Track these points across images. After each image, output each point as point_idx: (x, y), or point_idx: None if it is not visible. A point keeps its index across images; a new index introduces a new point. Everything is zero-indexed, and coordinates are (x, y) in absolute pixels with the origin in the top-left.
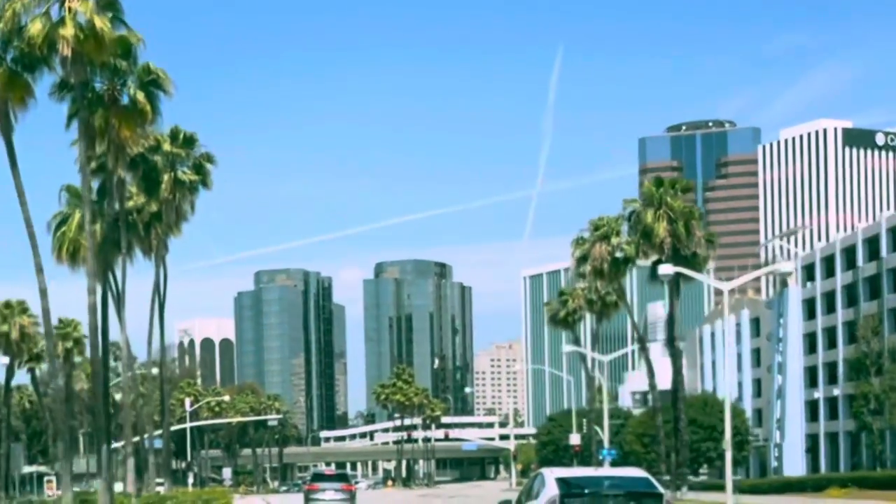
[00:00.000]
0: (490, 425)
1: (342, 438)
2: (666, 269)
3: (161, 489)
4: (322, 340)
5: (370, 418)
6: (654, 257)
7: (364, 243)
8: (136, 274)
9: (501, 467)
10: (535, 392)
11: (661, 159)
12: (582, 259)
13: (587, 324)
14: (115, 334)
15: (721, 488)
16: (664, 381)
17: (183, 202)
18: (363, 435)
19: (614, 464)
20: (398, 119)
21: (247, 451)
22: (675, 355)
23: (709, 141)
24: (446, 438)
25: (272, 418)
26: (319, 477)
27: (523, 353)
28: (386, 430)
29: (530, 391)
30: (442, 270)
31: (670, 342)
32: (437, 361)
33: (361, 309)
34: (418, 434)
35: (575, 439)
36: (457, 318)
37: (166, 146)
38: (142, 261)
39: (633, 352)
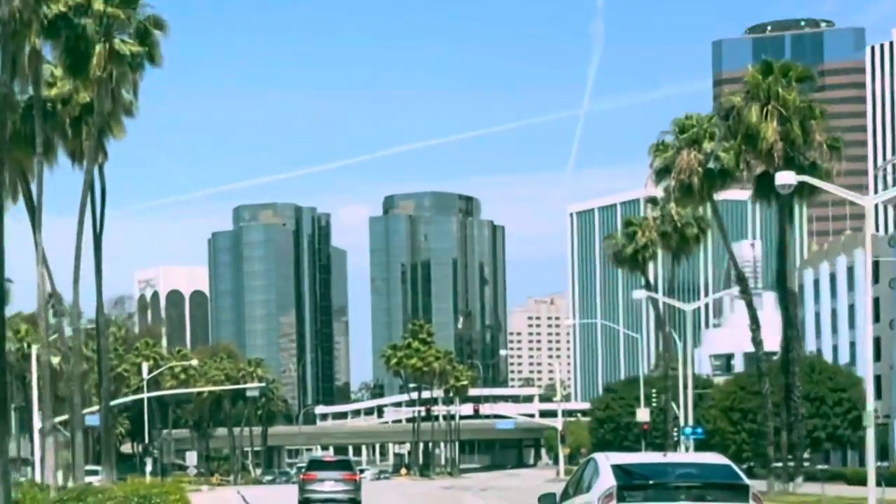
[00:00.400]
0: (528, 399)
1: (343, 416)
2: (786, 178)
3: (94, 479)
4: (318, 293)
5: (378, 391)
6: (759, 169)
7: (371, 174)
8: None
9: (543, 451)
10: (585, 357)
11: (741, 67)
12: (662, 171)
13: (659, 266)
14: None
15: (844, 478)
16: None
17: (123, 84)
18: (369, 411)
19: (701, 447)
20: (412, 26)
21: (222, 432)
22: (788, 302)
23: (800, 44)
24: (475, 415)
25: (252, 387)
26: (317, 464)
27: (570, 309)
28: (398, 405)
29: (578, 356)
30: (468, 206)
31: (780, 284)
32: (461, 320)
33: (367, 254)
34: (439, 410)
35: (643, 415)
36: (486, 266)
37: (98, 5)
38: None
39: (712, 305)
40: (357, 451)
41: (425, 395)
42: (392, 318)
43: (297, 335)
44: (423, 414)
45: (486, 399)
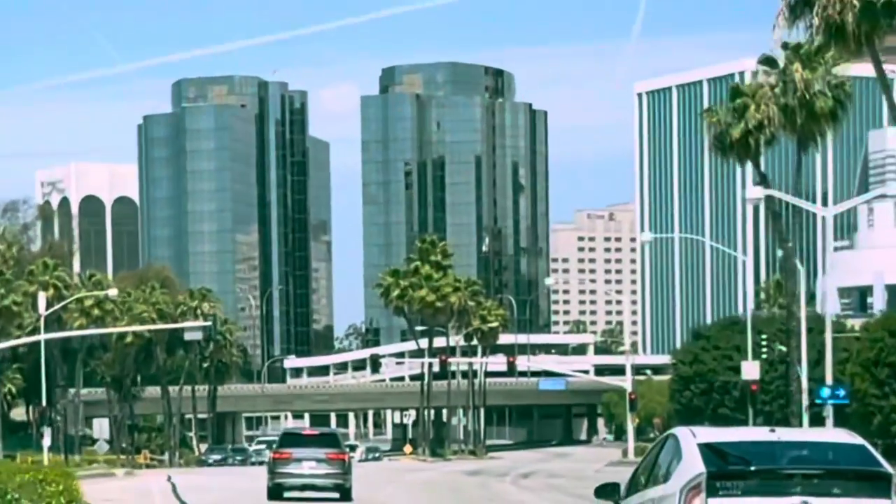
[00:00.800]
0: (580, 350)
1: (322, 371)
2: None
3: None
4: (289, 202)
5: (371, 337)
6: None
7: (363, 41)
8: None
9: (600, 422)
10: (659, 293)
11: None
12: (801, 5)
13: (772, 157)
14: None
15: None
16: None
17: None
18: (359, 366)
19: (841, 420)
20: None
21: (153, 392)
22: None
23: None
24: (509, 371)
25: (193, 327)
26: (292, 439)
27: (637, 224)
28: (399, 358)
29: (649, 291)
30: (497, 83)
31: None
32: (486, 241)
33: (357, 149)
34: (457, 363)
35: (750, 371)
36: (522, 167)
37: None
38: None
39: (843, 219)
40: (343, 421)
41: (439, 342)
42: (391, 238)
43: (261, 261)
44: (435, 369)
45: (523, 349)
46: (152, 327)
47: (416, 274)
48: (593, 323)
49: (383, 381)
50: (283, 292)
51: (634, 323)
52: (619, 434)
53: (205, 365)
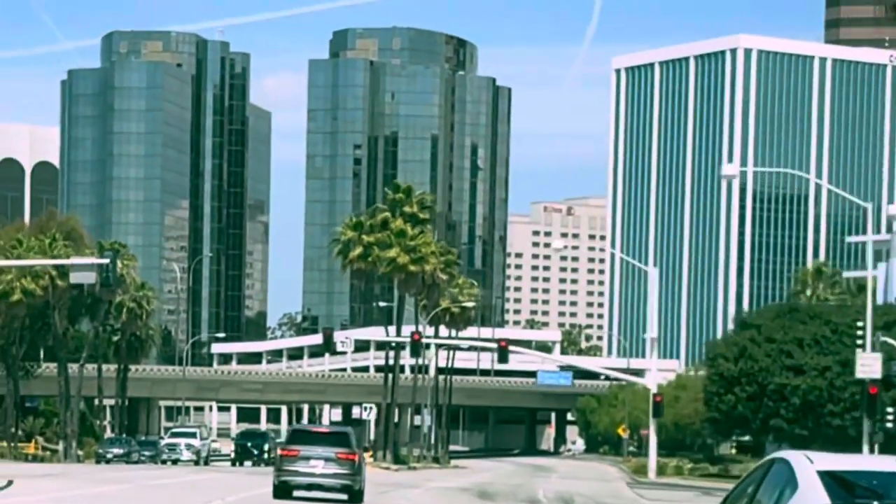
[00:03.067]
0: (544, 347)
1: (254, 359)
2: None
3: None
4: (226, 173)
5: (310, 325)
6: None
7: (312, 3)
8: None
9: (570, 430)
10: (629, 291)
11: None
12: None
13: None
14: None
15: None
16: None
17: None
18: (295, 355)
19: None
20: None
21: (50, 370)
22: None
23: None
24: (501, 356)
25: (80, 264)
26: (301, 436)
27: (609, 219)
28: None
29: (618, 291)
30: (458, 53)
31: None
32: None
33: (303, 118)
34: (446, 344)
35: (870, 365)
36: (482, 147)
37: None
38: None
39: None
40: (274, 416)
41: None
42: (336, 218)
43: (191, 237)
44: (394, 352)
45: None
46: (20, 263)
47: (385, 228)
48: (545, 324)
49: (342, 370)
50: (214, 272)
51: (600, 327)
52: (593, 445)
53: (115, 339)
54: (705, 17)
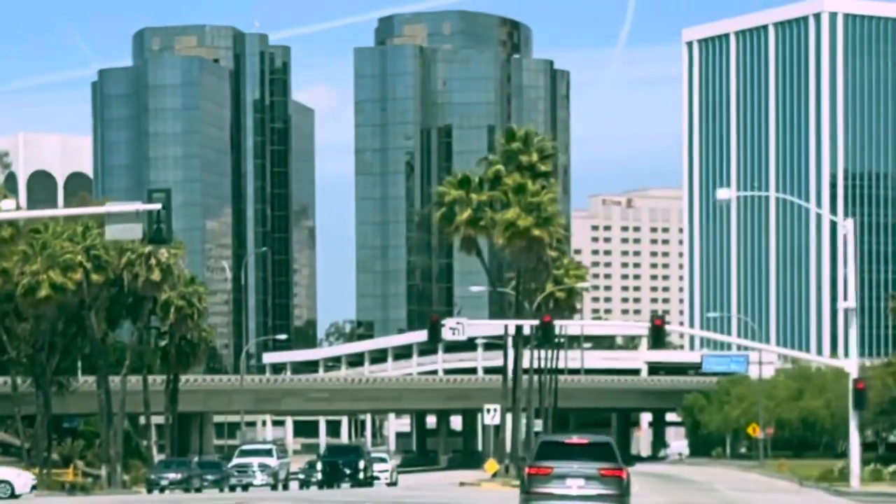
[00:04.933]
0: (630, 343)
1: (310, 367)
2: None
3: None
4: (269, 174)
5: (365, 331)
6: None
7: None
8: None
9: (669, 432)
10: (713, 287)
11: None
12: None
13: None
14: None
15: None
16: None
17: None
18: (356, 360)
19: None
20: None
21: (88, 384)
22: None
23: None
24: (656, 337)
25: (119, 212)
26: (553, 449)
27: (685, 206)
28: (402, 352)
29: (698, 283)
30: (512, 36)
31: None
32: None
33: (350, 110)
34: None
35: None
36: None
37: None
38: None
39: None
40: (333, 429)
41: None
42: (389, 216)
43: (234, 242)
44: (517, 335)
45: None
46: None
47: (499, 185)
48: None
49: (409, 375)
50: (260, 279)
51: (668, 322)
52: (698, 447)
53: (161, 344)
54: None
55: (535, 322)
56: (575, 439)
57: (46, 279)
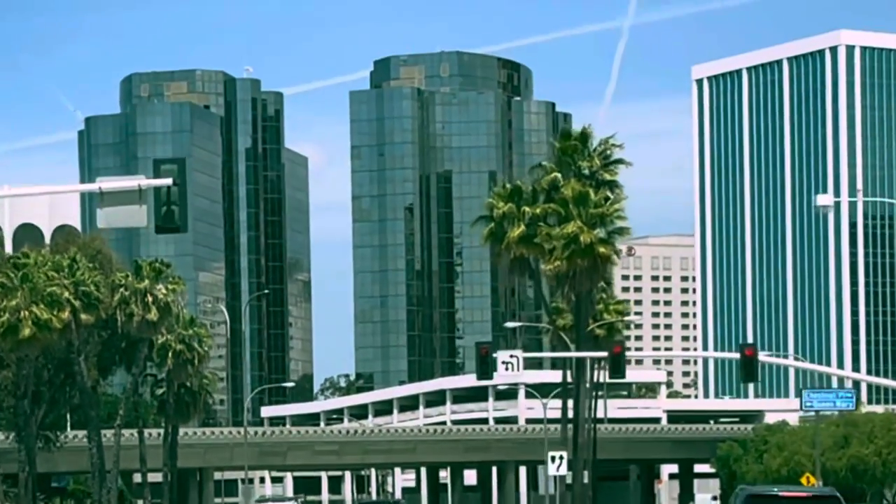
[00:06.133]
0: (649, 390)
1: (310, 421)
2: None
3: None
4: (262, 224)
5: (364, 383)
6: None
7: (352, 30)
8: None
9: (696, 485)
10: (726, 331)
11: None
12: None
13: None
14: None
15: None
16: None
17: None
18: (358, 412)
19: None
20: None
21: (79, 438)
22: None
23: None
24: (747, 370)
25: (120, 190)
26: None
27: (697, 252)
28: (407, 403)
29: (712, 330)
30: (512, 78)
31: None
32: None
33: (346, 156)
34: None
35: None
36: None
37: None
38: None
39: None
40: (335, 485)
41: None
42: (388, 264)
43: (228, 293)
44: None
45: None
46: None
47: (556, 195)
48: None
49: (417, 426)
50: (255, 331)
51: (671, 373)
52: (730, 500)
53: (158, 392)
54: (798, 13)
55: (601, 354)
56: (792, 491)
57: (29, 316)
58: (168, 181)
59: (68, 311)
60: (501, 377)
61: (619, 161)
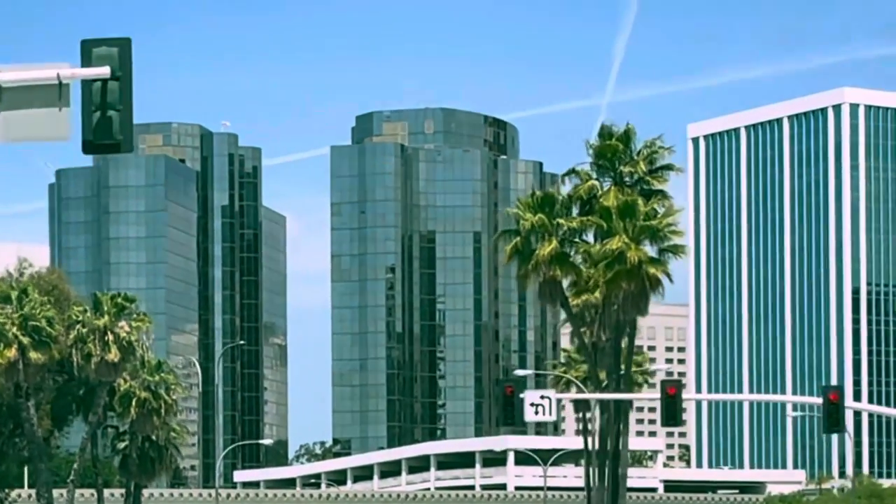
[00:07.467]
0: (647, 457)
1: (285, 486)
2: None
3: None
4: (238, 283)
5: (342, 449)
6: None
7: (334, 83)
8: None
9: None
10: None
11: None
12: None
13: None
14: None
15: None
16: None
17: None
18: (336, 479)
19: None
20: None
21: (24, 498)
22: None
23: None
24: (834, 422)
25: (31, 80)
26: None
27: (692, 327)
28: (389, 468)
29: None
30: (498, 136)
31: None
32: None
33: (326, 214)
34: None
35: None
36: None
37: None
38: None
39: None
40: None
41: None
42: (367, 326)
43: (201, 354)
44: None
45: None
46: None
47: (596, 205)
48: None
49: (398, 493)
50: (228, 394)
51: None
52: None
53: (120, 446)
54: (799, 70)
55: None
56: None
57: None
58: (104, 71)
59: (15, 349)
60: (530, 419)
61: (668, 167)
